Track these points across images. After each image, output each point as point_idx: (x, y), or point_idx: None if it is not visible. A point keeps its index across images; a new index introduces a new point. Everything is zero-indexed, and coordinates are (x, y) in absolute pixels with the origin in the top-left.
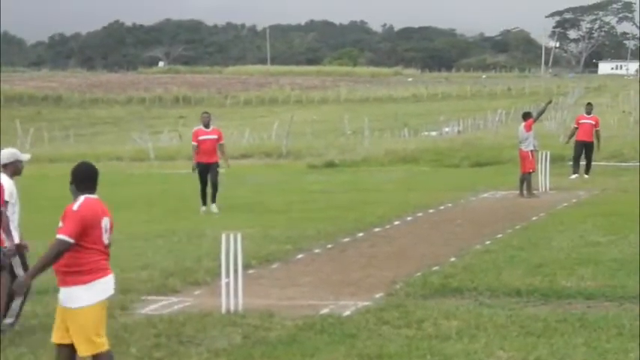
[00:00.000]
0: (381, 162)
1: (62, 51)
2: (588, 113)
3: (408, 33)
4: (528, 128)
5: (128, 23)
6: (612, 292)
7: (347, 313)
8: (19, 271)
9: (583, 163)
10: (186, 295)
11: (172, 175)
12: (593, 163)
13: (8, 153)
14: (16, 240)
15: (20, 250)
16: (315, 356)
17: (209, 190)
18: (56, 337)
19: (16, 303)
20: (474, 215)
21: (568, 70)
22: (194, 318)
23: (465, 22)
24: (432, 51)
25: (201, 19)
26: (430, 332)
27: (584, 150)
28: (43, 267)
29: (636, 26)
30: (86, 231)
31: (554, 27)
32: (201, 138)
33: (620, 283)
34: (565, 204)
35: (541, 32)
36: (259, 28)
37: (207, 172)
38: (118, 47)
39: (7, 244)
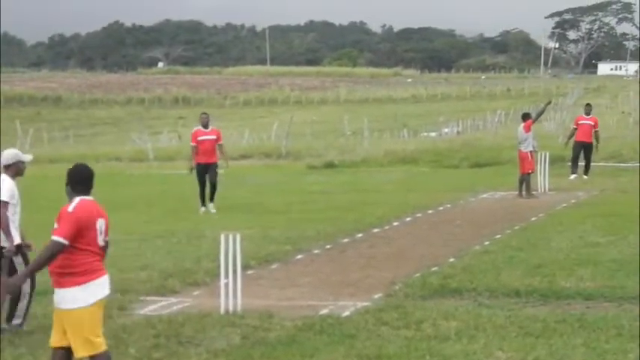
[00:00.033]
0: (381, 163)
1: (62, 51)
2: (587, 114)
3: (407, 34)
4: (527, 129)
5: (128, 24)
6: (611, 293)
7: (346, 313)
8: (20, 270)
9: (582, 163)
10: (185, 295)
11: (172, 176)
12: (592, 163)
13: (10, 154)
14: (17, 240)
15: (23, 249)
16: (315, 357)
17: (208, 190)
18: (54, 341)
19: (23, 303)
20: (473, 216)
21: (567, 70)
22: (193, 318)
23: (464, 23)
24: (432, 52)
25: (200, 19)
26: (429, 333)
27: (584, 151)
28: (36, 268)
29: (636, 27)
30: (81, 232)
31: (553, 28)
32: (200, 139)
33: (619, 283)
34: (564, 205)
35: (540, 33)
36: (259, 28)
37: (205, 172)
38: (117, 48)
39: (6, 244)
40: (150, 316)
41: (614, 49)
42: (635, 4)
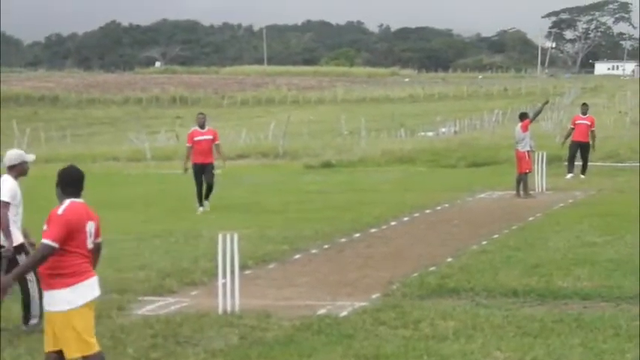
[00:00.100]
0: (378, 162)
1: (59, 51)
2: (584, 114)
3: (404, 33)
4: (525, 129)
5: (125, 23)
6: (609, 293)
7: (344, 313)
8: None
9: (579, 163)
10: (183, 295)
11: (169, 176)
12: (589, 163)
13: (14, 154)
14: (18, 241)
15: (27, 248)
16: (312, 357)
17: (204, 190)
18: (47, 346)
19: (35, 303)
20: (470, 215)
21: (564, 70)
22: (191, 318)
23: (461, 23)
24: (429, 51)
25: (197, 19)
26: (427, 333)
27: (581, 150)
28: (26, 270)
29: (633, 26)
30: (71, 235)
31: (550, 27)
32: (196, 139)
33: (616, 283)
34: (561, 204)
35: (537, 33)
36: (256, 28)
37: (202, 172)
38: (114, 47)
39: (5, 244)
40: (148, 316)
41: (611, 48)
42: (631, 4)
